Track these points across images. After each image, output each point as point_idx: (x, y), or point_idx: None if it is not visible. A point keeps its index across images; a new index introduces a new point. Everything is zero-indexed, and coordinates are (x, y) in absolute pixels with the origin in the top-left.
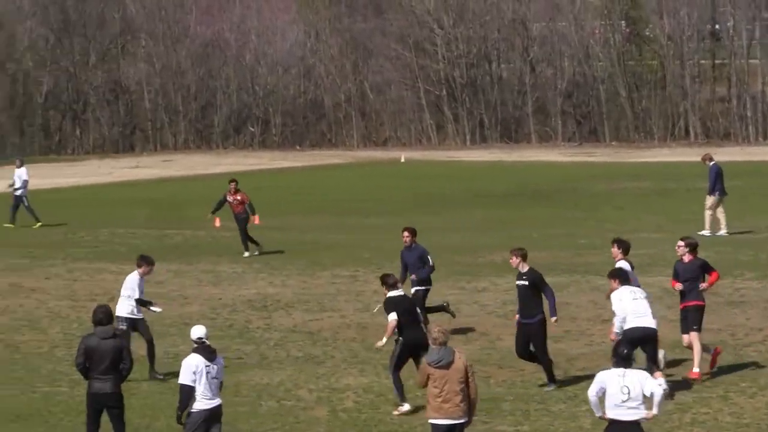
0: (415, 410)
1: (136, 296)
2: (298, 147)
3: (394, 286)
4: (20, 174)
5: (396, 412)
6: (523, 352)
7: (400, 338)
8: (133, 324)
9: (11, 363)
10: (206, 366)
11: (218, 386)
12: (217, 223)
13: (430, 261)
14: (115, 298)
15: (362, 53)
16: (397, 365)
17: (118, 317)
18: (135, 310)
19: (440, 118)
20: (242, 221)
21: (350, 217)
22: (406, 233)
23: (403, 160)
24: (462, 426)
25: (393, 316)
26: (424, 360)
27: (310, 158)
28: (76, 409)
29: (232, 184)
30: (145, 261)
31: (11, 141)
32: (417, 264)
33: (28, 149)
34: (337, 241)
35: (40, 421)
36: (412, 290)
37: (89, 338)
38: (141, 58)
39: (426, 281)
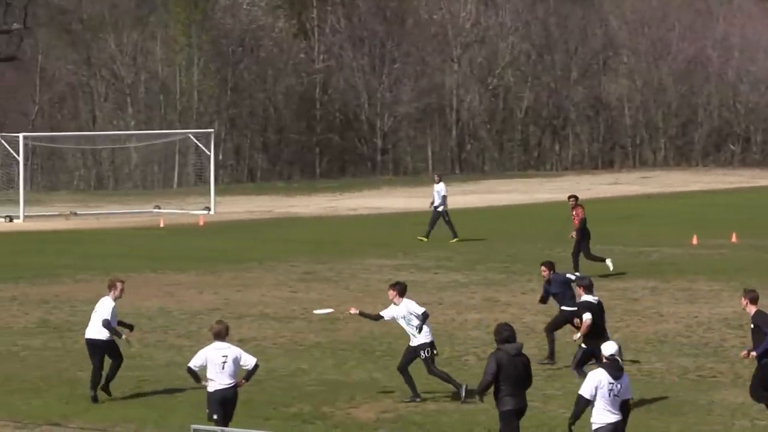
0: None
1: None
2: None
3: (588, 289)
4: (439, 189)
5: None
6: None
7: (584, 346)
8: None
9: None
10: (610, 383)
11: (621, 404)
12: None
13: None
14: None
15: None
16: (579, 364)
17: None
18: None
19: None
20: (579, 239)
21: None
22: (543, 267)
23: None
24: None
25: (588, 316)
26: None
27: None
28: (548, 424)
29: (572, 200)
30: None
31: (491, 155)
32: (565, 291)
33: (507, 164)
34: None
35: None
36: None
37: (500, 355)
38: (622, 74)
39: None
